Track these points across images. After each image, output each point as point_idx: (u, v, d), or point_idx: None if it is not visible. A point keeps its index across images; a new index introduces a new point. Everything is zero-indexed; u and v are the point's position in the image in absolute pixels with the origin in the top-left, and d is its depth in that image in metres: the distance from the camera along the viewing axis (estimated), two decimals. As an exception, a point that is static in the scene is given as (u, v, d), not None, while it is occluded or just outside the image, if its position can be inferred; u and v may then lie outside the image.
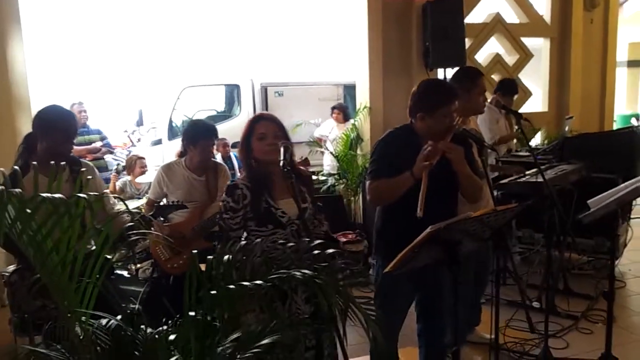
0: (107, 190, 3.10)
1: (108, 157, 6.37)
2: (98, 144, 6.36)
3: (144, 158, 6.06)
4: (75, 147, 6.13)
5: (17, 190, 1.18)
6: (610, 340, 3.14)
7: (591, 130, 6.59)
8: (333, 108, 7.88)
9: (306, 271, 1.39)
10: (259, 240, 1.81)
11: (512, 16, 7.01)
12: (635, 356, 3.73)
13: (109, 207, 3.00)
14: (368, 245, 5.46)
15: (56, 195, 1.09)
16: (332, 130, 7.61)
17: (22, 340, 2.96)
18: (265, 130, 2.59)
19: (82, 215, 1.31)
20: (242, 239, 2.51)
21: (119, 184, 5.80)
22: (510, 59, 7.02)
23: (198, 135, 3.61)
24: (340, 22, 7.75)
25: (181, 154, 3.79)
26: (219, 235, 2.65)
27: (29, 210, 1.11)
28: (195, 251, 1.56)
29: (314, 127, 7.68)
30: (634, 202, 5.42)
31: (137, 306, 3.15)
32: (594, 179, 4.43)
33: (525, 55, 7.00)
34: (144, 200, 4.66)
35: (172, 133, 8.76)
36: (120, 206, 3.23)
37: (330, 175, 6.39)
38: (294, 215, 2.53)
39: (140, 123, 10.25)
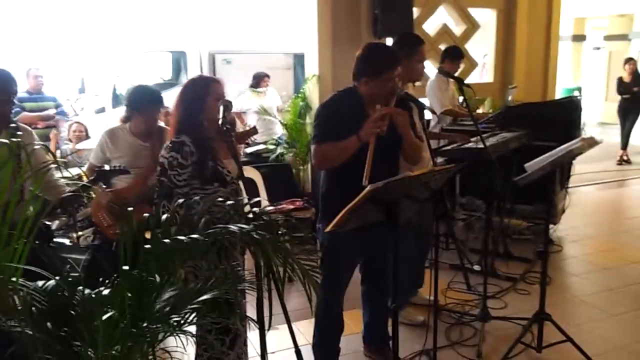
0: (48, 158, 2.98)
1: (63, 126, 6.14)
2: (52, 112, 6.13)
3: (80, 123, 5.87)
4: (27, 114, 5.95)
5: None
6: (544, 298, 3.26)
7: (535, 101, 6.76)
8: (257, 77, 7.71)
9: (244, 226, 1.39)
10: (197, 197, 1.81)
11: (460, -13, 7.07)
12: (568, 313, 3.92)
13: (49, 175, 2.92)
14: (316, 213, 5.49)
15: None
16: (250, 100, 7.45)
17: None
18: (222, 91, 2.69)
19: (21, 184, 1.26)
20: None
21: (60, 151, 5.63)
22: (458, 29, 7.10)
23: (143, 102, 3.51)
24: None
25: (125, 120, 3.68)
26: (162, 193, 2.63)
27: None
28: (131, 209, 1.54)
29: (262, 96, 7.58)
30: (572, 171, 5.69)
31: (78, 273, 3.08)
32: (535, 146, 4.55)
33: (472, 26, 7.09)
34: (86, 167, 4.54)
35: (116, 101, 8.53)
36: (59, 174, 3.13)
37: (278, 143, 6.37)
38: (235, 174, 2.63)
39: (82, 91, 9.90)
